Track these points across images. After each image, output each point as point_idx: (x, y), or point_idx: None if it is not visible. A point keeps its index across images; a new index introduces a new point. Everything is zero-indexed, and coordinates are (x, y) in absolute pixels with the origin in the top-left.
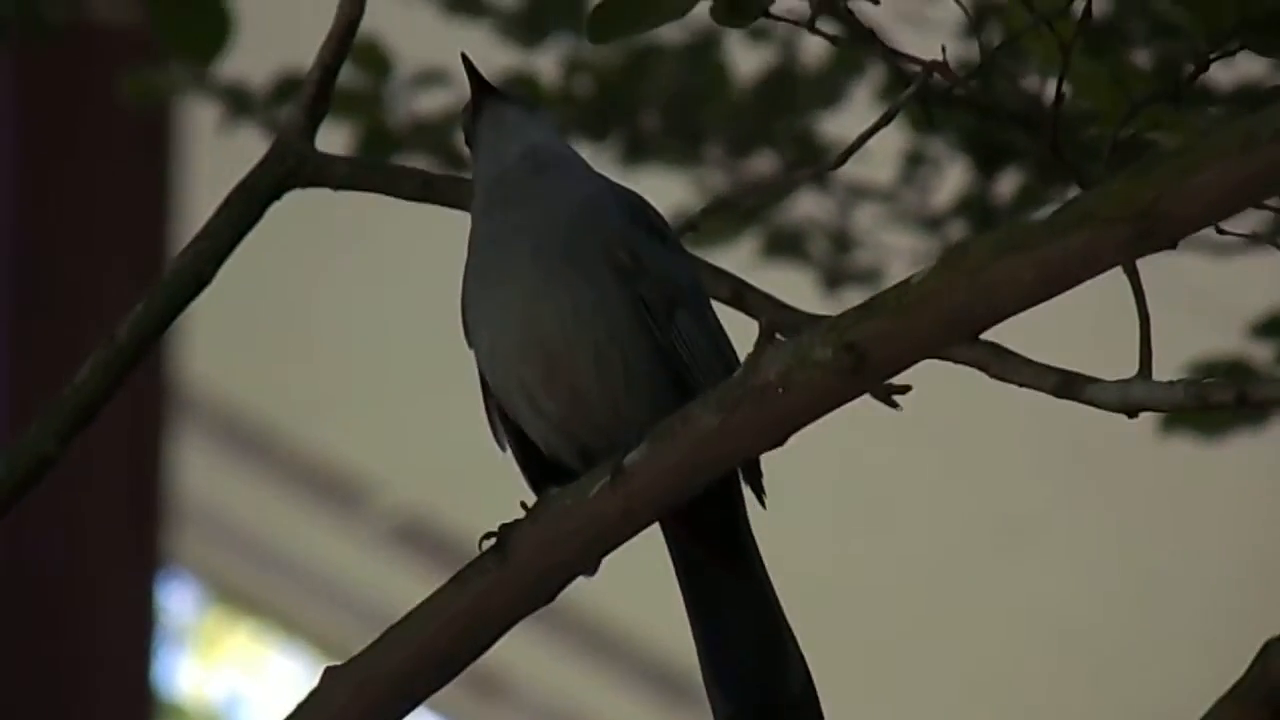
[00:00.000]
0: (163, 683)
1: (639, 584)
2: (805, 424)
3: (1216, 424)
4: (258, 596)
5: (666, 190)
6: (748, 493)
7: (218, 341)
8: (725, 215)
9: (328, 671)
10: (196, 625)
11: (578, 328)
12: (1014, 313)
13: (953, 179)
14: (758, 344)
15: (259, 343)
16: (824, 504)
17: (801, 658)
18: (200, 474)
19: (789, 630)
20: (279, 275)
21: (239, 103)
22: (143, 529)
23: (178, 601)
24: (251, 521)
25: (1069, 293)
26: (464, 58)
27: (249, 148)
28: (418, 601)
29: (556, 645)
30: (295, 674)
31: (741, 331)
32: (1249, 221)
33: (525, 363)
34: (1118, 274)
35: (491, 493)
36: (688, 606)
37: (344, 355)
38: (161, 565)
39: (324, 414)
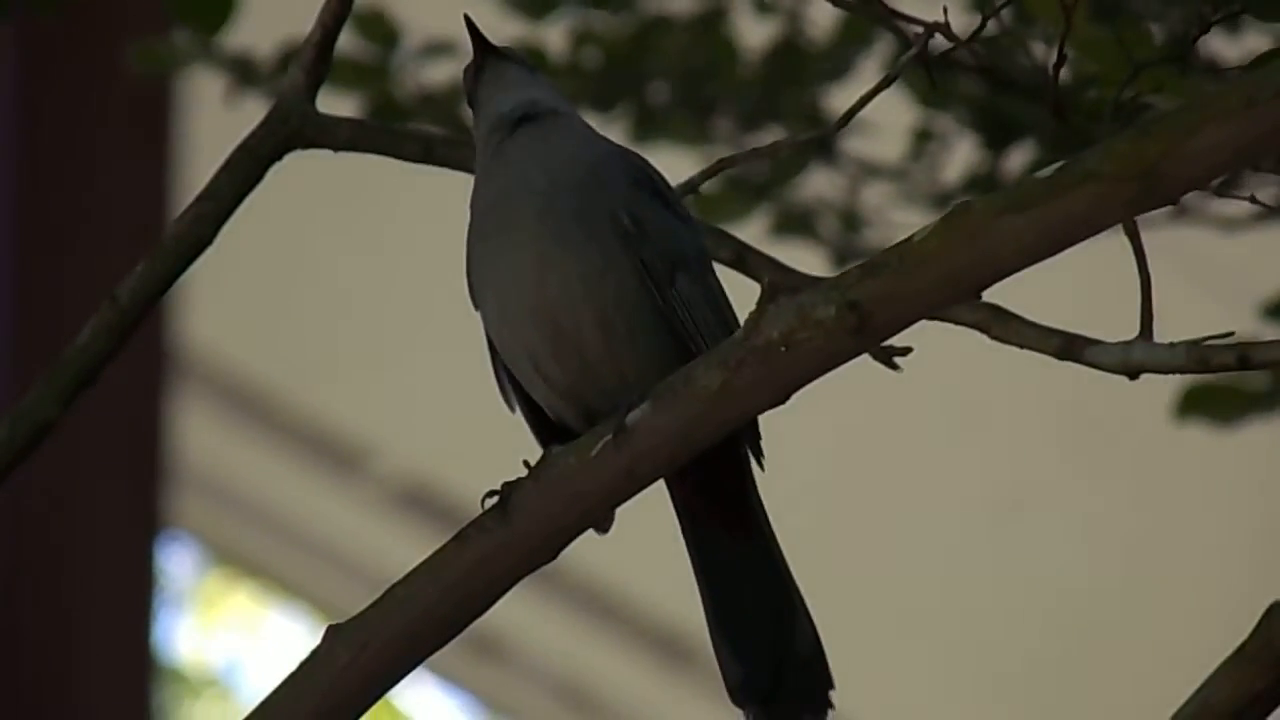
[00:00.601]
0: (162, 645)
1: (639, 546)
2: (807, 382)
3: (1231, 408)
4: (257, 560)
5: (675, 166)
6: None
7: (218, 305)
8: (739, 188)
9: (329, 630)
10: (196, 588)
11: (584, 294)
12: (1015, 271)
13: (961, 156)
14: (760, 303)
15: (259, 306)
16: (822, 468)
17: (810, 619)
18: (200, 437)
19: (797, 591)
20: (279, 239)
21: (244, 73)
22: (142, 492)
23: (177, 564)
24: (251, 485)
25: (1071, 259)
26: (467, 19)
27: (252, 117)
28: (417, 564)
29: (556, 608)
30: (294, 637)
31: (746, 296)
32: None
33: (532, 328)
34: (1121, 242)
35: (492, 457)
36: (695, 569)
37: (344, 319)
38: (161, 528)
39: (324, 377)
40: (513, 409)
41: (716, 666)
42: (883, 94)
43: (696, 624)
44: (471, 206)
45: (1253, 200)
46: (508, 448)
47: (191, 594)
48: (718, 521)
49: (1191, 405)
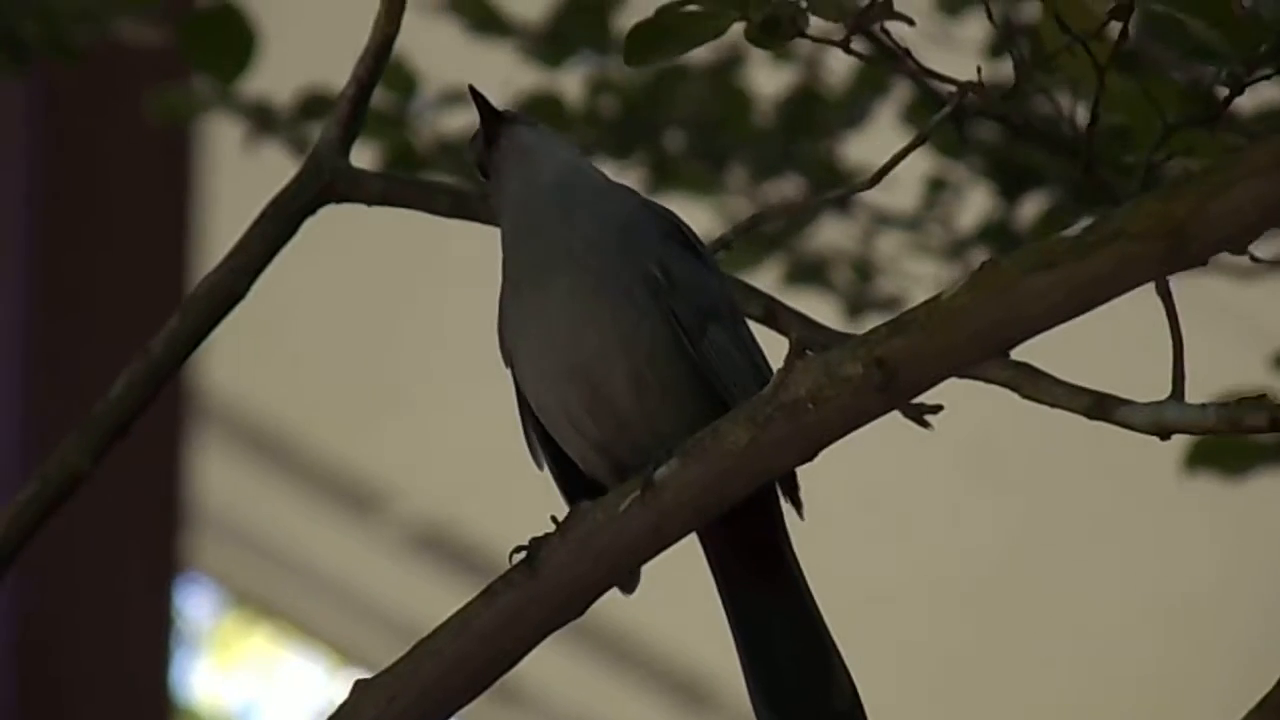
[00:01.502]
0: (179, 687)
1: (659, 592)
2: (835, 439)
3: (1240, 461)
4: (275, 602)
5: (691, 216)
6: (786, 506)
7: (238, 349)
8: (753, 238)
9: (357, 685)
10: (214, 630)
11: (619, 351)
12: (1044, 329)
13: (975, 206)
14: (787, 360)
15: (279, 350)
16: (853, 518)
17: (847, 673)
18: (219, 480)
19: (834, 645)
20: (301, 284)
21: (263, 120)
22: (162, 534)
23: (196, 606)
24: (270, 528)
25: (1101, 314)
26: (472, 90)
27: (271, 166)
28: (434, 608)
29: (575, 652)
30: (311, 680)
31: (774, 352)
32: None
33: (568, 386)
34: (1151, 296)
35: (509, 502)
36: (730, 623)
37: (364, 363)
38: (180, 570)
39: (342, 421)
40: (541, 466)
41: (734, 709)
42: (897, 140)
43: (714, 667)
44: (504, 268)
45: (1252, 259)
46: (524, 493)
47: (209, 636)
48: (751, 574)
49: (1200, 458)
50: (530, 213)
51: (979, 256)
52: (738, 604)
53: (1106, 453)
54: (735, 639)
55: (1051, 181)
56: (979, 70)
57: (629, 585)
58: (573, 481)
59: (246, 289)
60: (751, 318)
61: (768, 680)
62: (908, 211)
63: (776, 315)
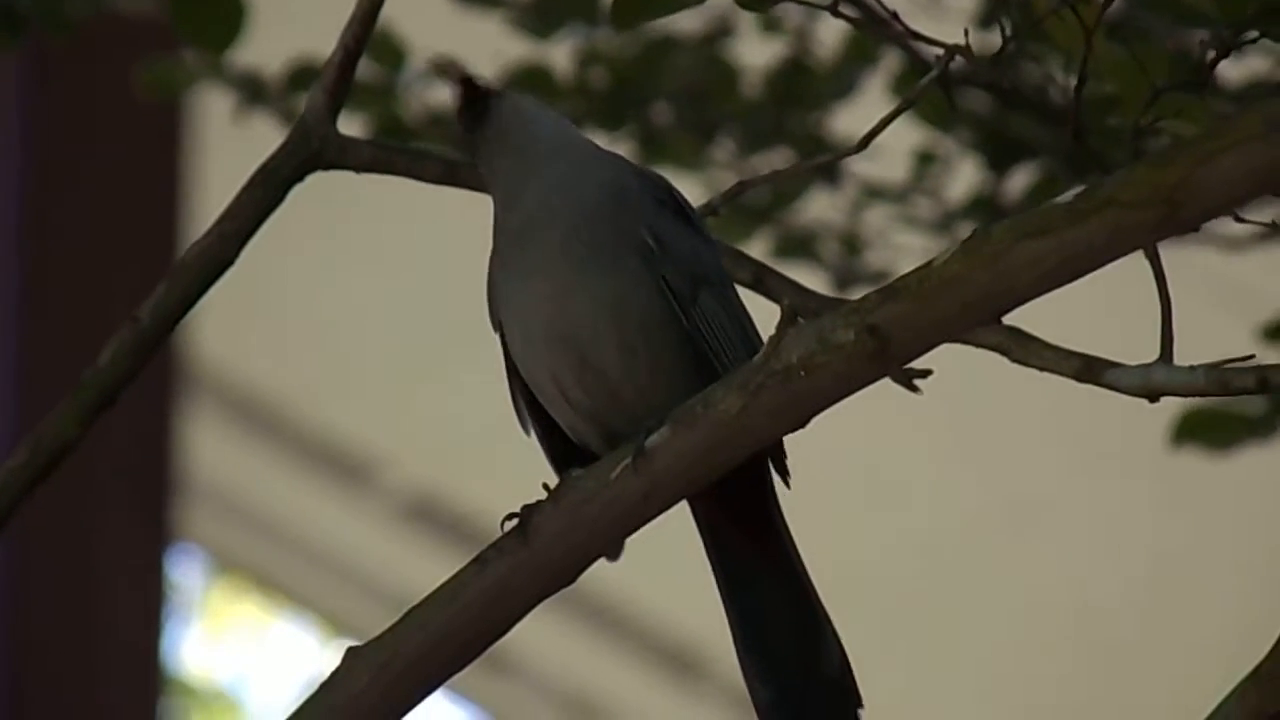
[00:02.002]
0: (171, 657)
1: (650, 561)
2: (827, 407)
3: (1228, 434)
4: (265, 572)
5: (679, 187)
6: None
7: (227, 318)
8: (742, 210)
9: (349, 652)
10: (204, 600)
11: (608, 317)
12: (1035, 296)
13: (964, 179)
14: (779, 327)
15: (268, 319)
16: (839, 484)
17: (837, 638)
18: (209, 450)
19: (823, 610)
20: (288, 253)
21: (253, 91)
22: (152, 504)
23: (186, 576)
24: (260, 497)
25: (1091, 279)
26: (444, 65)
27: (260, 137)
28: (425, 578)
29: (564, 621)
30: (302, 649)
31: (762, 317)
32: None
33: (557, 354)
34: (1136, 263)
35: (499, 470)
36: (721, 589)
37: (352, 332)
38: (170, 540)
39: (332, 390)
40: (528, 432)
41: (724, 678)
42: (883, 113)
43: (705, 637)
44: (495, 234)
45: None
46: (513, 462)
47: (200, 606)
48: (741, 541)
49: (1187, 431)
50: (520, 182)
51: (967, 229)
52: (728, 571)
53: (1094, 421)
54: (726, 606)
55: (1040, 153)
56: (966, 33)
57: (614, 552)
58: (560, 448)
59: (235, 255)
60: (741, 283)
61: (759, 648)
62: (896, 184)
63: (766, 281)
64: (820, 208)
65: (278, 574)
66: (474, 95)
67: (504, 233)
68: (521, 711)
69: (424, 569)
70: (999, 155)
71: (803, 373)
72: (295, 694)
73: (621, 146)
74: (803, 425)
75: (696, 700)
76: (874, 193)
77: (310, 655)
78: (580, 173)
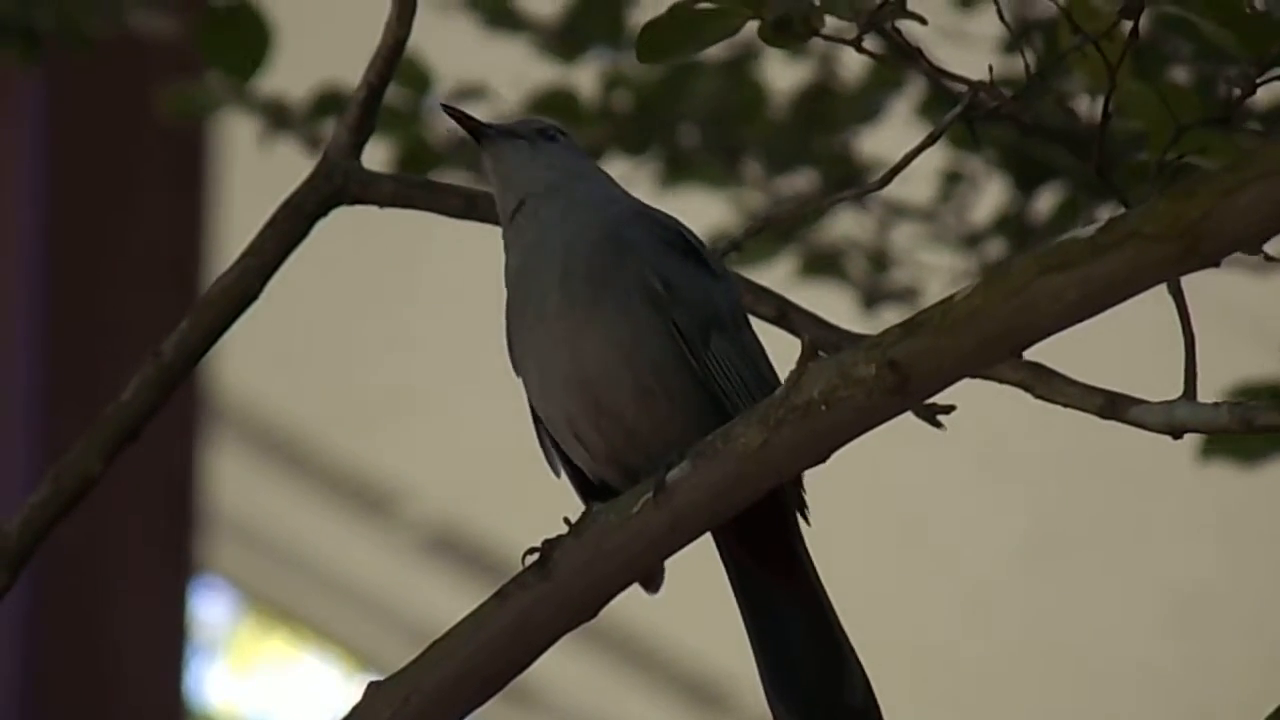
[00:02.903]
0: (195, 691)
1: (671, 593)
2: (847, 441)
3: (1255, 450)
4: (290, 605)
5: (705, 210)
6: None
7: (252, 351)
8: (766, 235)
9: (371, 686)
10: (229, 633)
11: (620, 363)
12: (1057, 330)
13: (991, 197)
14: (800, 362)
15: (293, 352)
16: (864, 519)
17: (861, 668)
18: (234, 482)
19: (847, 641)
20: (313, 285)
21: (278, 118)
22: (177, 537)
23: (211, 610)
24: (284, 530)
25: (1114, 314)
26: (444, 107)
27: (283, 165)
28: (448, 610)
29: (587, 654)
30: (326, 683)
31: (787, 350)
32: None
33: (571, 399)
34: (1163, 295)
35: (522, 503)
36: (745, 620)
37: (376, 364)
38: (195, 573)
39: (356, 423)
40: (558, 474)
41: (747, 711)
42: (912, 134)
43: (726, 669)
44: (505, 279)
45: (1266, 257)
46: (537, 495)
47: (224, 639)
48: (765, 573)
49: (1215, 448)
50: (516, 231)
51: (994, 248)
52: (752, 602)
53: (1118, 450)
54: (750, 637)
55: (1066, 174)
56: (990, 69)
57: (653, 585)
58: (588, 484)
59: (259, 291)
60: (763, 318)
61: (783, 678)
62: (923, 203)
63: (789, 316)
64: (847, 226)
65: (302, 606)
66: (478, 135)
67: (511, 280)
68: None
69: (448, 601)
70: (1025, 176)
71: (824, 407)
72: None
73: (647, 169)
74: (823, 460)
75: None
76: (900, 211)
77: (335, 689)
78: (582, 216)
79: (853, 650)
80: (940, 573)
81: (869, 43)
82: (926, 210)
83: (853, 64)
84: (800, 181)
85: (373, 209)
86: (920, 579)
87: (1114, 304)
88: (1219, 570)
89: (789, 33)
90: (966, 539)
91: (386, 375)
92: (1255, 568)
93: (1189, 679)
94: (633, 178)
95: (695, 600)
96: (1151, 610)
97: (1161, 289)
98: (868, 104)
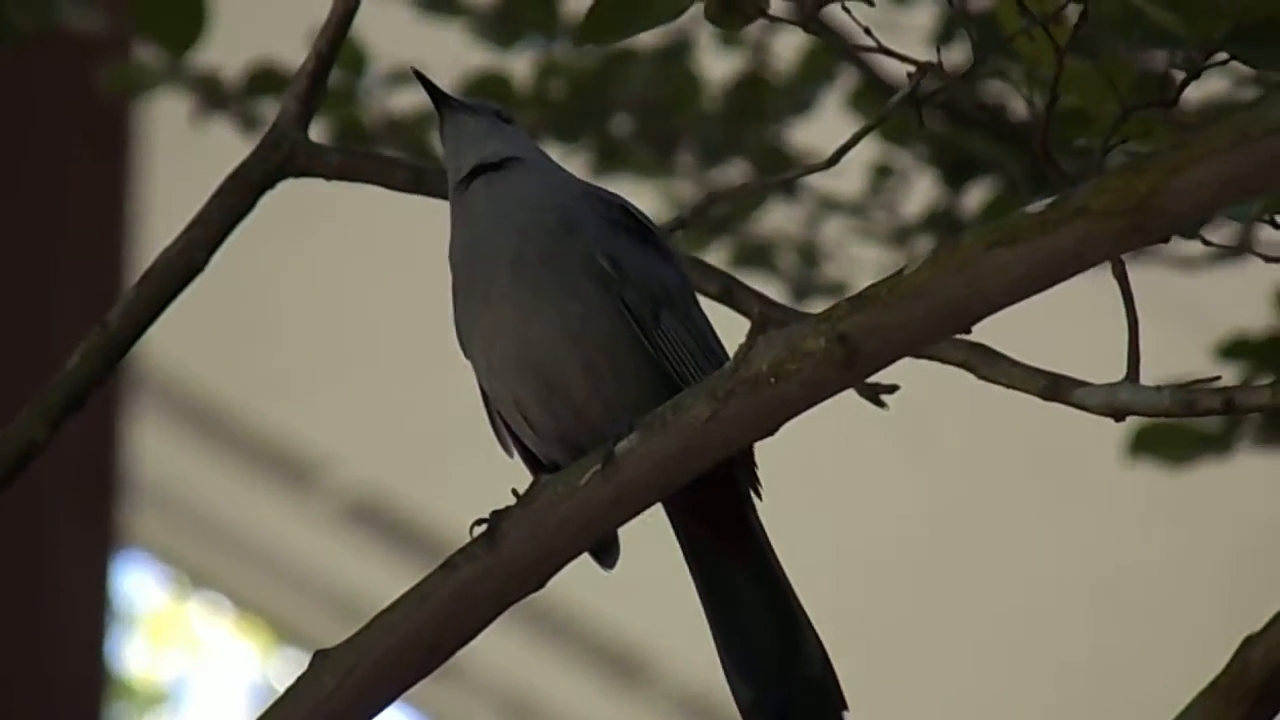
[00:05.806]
0: (116, 661)
1: (593, 565)
2: (796, 414)
3: (1183, 449)
4: (211, 574)
5: (636, 200)
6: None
7: (173, 321)
8: (701, 222)
9: (316, 655)
10: (150, 603)
11: (568, 344)
12: (1005, 305)
13: (920, 193)
14: (749, 336)
15: (214, 321)
16: (791, 490)
17: (818, 638)
18: (155, 452)
19: (803, 612)
20: (236, 253)
21: (212, 95)
22: (98, 507)
23: (132, 580)
24: (206, 500)
25: (1058, 299)
26: (415, 72)
27: (209, 138)
28: (369, 581)
29: (509, 626)
30: (246, 653)
31: (733, 329)
32: (1225, 233)
33: (519, 381)
34: (1108, 284)
35: (443, 474)
36: (700, 592)
37: (299, 333)
38: (119, 544)
39: (278, 392)
40: (510, 453)
41: (668, 683)
42: (840, 128)
43: (649, 641)
44: (449, 257)
45: (1204, 242)
46: (461, 464)
47: (145, 609)
48: (717, 545)
49: (1142, 445)
50: (466, 206)
51: (923, 244)
52: (706, 573)
53: (1047, 429)
54: (705, 609)
55: (996, 170)
56: (938, 51)
57: (608, 560)
58: (538, 463)
59: (205, 261)
60: (710, 296)
61: (739, 651)
62: (853, 197)
63: (734, 293)
64: (778, 219)
65: (223, 576)
66: (441, 103)
67: (455, 254)
68: (464, 716)
69: (371, 572)
70: (955, 170)
71: (772, 380)
72: (239, 697)
73: (580, 157)
74: (772, 433)
75: (640, 705)
76: (831, 205)
77: (254, 660)
78: (529, 196)
79: (809, 621)
80: (862, 545)
81: (810, 29)
82: (856, 204)
83: (786, 54)
84: (733, 172)
85: (308, 181)
86: (842, 551)
87: (1062, 279)
88: (1146, 552)
89: (736, 13)
90: (888, 512)
91: (308, 344)
92: (1182, 548)
93: (1108, 664)
94: (565, 165)
95: (616, 572)
96: (1074, 588)
97: (1105, 271)
98: (800, 94)
